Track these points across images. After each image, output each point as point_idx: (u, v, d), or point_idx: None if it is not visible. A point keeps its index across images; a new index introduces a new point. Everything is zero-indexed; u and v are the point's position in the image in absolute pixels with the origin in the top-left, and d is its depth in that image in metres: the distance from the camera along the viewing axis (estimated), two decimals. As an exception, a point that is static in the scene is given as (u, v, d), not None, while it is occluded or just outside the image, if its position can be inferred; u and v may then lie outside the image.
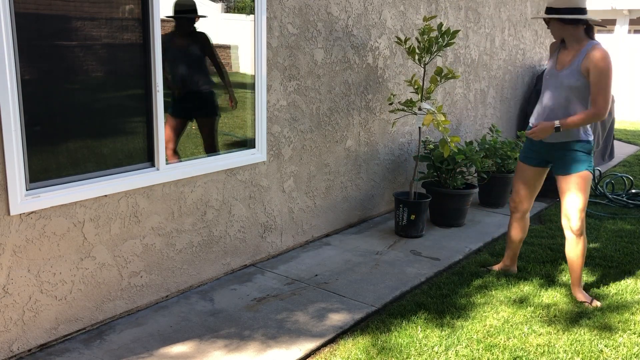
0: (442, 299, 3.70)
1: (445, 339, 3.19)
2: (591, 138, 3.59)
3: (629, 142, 10.70)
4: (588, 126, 3.60)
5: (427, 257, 4.43)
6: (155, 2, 3.23)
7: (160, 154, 3.40)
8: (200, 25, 3.64)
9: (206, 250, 3.83)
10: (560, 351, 3.10)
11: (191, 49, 3.66)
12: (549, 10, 3.57)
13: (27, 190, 2.81)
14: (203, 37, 3.68)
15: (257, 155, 4.04)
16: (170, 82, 3.47)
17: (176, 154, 3.59)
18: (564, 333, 3.29)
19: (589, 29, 3.54)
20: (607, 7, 16.88)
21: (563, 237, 4.97)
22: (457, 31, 4.68)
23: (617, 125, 12.94)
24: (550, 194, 6.36)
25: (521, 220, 4.01)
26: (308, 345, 3.09)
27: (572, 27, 3.50)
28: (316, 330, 3.25)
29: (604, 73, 3.39)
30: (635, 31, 21.82)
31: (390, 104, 5.06)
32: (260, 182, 4.13)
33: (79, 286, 3.11)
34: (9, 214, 2.74)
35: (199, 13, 3.61)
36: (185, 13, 3.54)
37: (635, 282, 4.03)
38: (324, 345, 3.14)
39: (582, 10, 3.47)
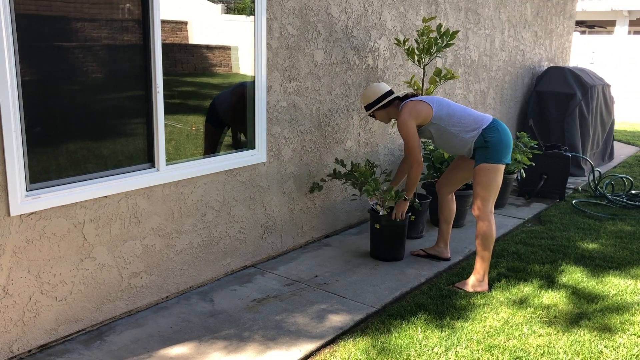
0: (442, 299, 3.70)
1: (445, 340, 3.19)
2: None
3: (629, 143, 10.71)
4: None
5: (427, 258, 4.43)
6: (156, 3, 3.23)
7: (161, 154, 3.40)
8: (200, 26, 3.65)
9: (206, 251, 3.83)
10: (560, 352, 3.10)
11: None
12: (368, 107, 4.10)
13: (27, 191, 2.81)
14: None
15: (257, 156, 4.05)
16: None
17: None
18: (563, 334, 3.30)
19: (403, 98, 4.05)
20: (606, 9, 16.91)
21: (563, 238, 4.98)
22: (456, 32, 4.68)
23: (617, 126, 12.96)
24: (550, 195, 6.37)
25: None
26: (308, 347, 3.09)
27: (390, 107, 4.06)
28: (316, 331, 3.25)
29: (400, 128, 3.88)
30: (635, 32, 21.85)
31: (390, 105, 5.06)
32: (260, 183, 4.13)
33: (79, 287, 3.12)
34: (9, 214, 2.75)
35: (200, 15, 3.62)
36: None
37: (635, 282, 4.03)
38: (324, 346, 3.14)
39: (389, 92, 4.04)
